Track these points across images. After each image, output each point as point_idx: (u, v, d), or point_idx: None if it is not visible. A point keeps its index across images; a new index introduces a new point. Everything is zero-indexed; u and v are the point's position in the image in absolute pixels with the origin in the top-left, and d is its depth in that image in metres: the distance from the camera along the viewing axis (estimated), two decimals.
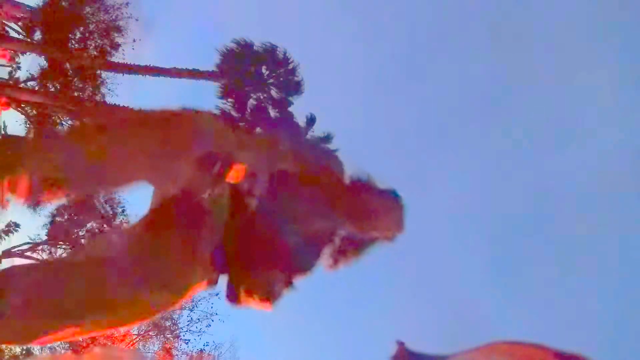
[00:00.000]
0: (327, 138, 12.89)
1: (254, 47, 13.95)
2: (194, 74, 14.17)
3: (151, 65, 14.14)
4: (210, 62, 14.13)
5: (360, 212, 1.98)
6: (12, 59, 13.03)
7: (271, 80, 13.87)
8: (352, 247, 1.99)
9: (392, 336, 1.55)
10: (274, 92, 13.81)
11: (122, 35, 14.68)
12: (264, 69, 13.90)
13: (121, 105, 13.42)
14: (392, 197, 2.03)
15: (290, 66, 13.89)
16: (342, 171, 2.03)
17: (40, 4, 13.64)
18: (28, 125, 14.17)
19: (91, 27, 14.29)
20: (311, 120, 13.18)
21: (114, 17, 14.68)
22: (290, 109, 13.63)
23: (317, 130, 13.02)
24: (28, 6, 13.39)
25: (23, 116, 14.02)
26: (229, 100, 13.77)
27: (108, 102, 13.74)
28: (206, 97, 14.21)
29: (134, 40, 14.81)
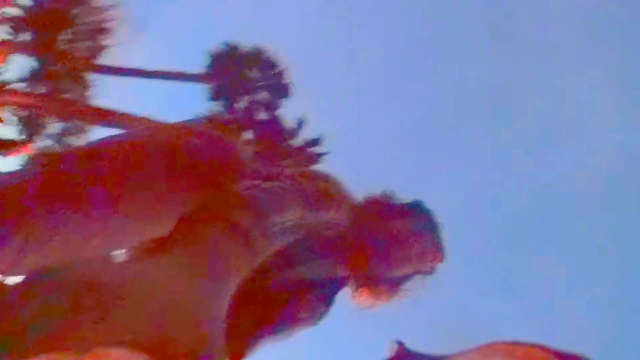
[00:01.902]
0: (318, 140, 12.90)
1: (244, 50, 13.94)
2: (184, 76, 14.14)
3: (141, 67, 14.09)
4: (200, 65, 14.11)
5: (384, 244, 1.54)
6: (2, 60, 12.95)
7: (261, 83, 13.86)
8: (382, 287, 1.57)
9: (391, 336, 1.53)
10: (263, 95, 13.80)
11: (112, 37, 14.62)
12: (254, 72, 13.89)
13: (109, 108, 13.37)
14: (421, 216, 1.59)
15: (280, 69, 13.89)
16: (346, 193, 1.58)
17: (31, 4, 13.56)
18: (19, 127, 14.08)
19: (80, 28, 14.22)
20: (301, 123, 13.18)
21: (103, 18, 14.62)
22: (280, 111, 13.63)
23: (309, 132, 13.04)
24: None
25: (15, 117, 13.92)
26: (219, 102, 13.74)
27: (97, 105, 13.68)
28: (196, 100, 14.18)
29: (124, 42, 14.75)
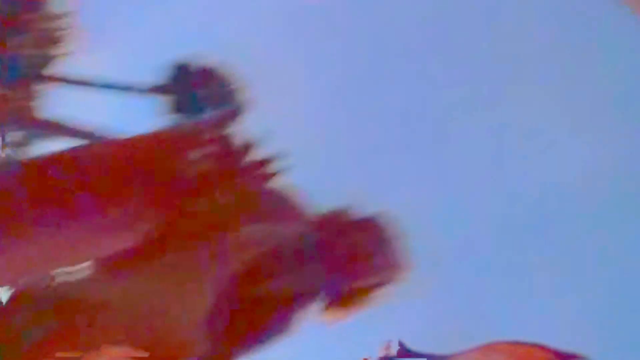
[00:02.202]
0: (277, 156, 12.90)
1: (199, 65, 13.89)
2: (137, 89, 13.98)
3: (93, 78, 13.87)
4: (155, 78, 13.96)
5: (344, 257, 1.54)
6: None
7: (216, 99, 13.82)
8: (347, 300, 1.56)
9: (391, 336, 1.53)
10: (219, 111, 13.75)
11: (66, 45, 14.37)
12: (209, 88, 13.85)
13: (60, 118, 13.11)
14: (380, 226, 1.59)
15: (236, 85, 13.89)
16: (305, 207, 1.58)
17: None
18: None
19: (32, 35, 13.94)
20: (260, 139, 13.17)
21: (57, 26, 14.36)
22: (237, 126, 13.60)
23: (269, 148, 13.03)
24: None
25: None
26: (174, 117, 13.64)
27: (48, 115, 13.39)
28: (149, 114, 14.00)
29: (76, 52, 14.51)
